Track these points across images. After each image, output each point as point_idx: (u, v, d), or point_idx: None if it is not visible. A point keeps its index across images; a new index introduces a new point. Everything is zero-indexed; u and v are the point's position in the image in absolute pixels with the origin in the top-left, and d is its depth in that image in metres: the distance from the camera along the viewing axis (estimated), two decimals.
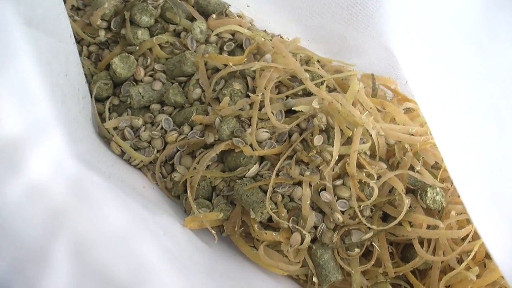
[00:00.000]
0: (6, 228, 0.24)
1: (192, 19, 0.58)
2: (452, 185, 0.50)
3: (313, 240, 0.49)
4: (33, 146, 0.25)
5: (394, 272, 0.48)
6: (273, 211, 0.47)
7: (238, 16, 0.59)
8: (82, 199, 0.26)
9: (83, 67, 0.52)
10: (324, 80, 0.51)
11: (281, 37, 0.59)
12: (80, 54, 0.56)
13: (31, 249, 0.24)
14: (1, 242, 0.24)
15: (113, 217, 0.27)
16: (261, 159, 0.51)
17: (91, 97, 0.54)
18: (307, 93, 0.52)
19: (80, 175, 0.26)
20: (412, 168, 0.49)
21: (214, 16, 0.58)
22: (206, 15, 0.59)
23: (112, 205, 0.28)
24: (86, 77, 0.53)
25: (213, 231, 0.48)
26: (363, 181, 0.48)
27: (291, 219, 0.48)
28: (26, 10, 0.38)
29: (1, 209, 0.24)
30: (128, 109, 0.55)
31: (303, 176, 0.48)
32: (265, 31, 0.59)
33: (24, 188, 0.24)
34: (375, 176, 0.48)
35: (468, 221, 0.49)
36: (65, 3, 0.52)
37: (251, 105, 0.51)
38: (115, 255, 0.26)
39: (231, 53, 0.56)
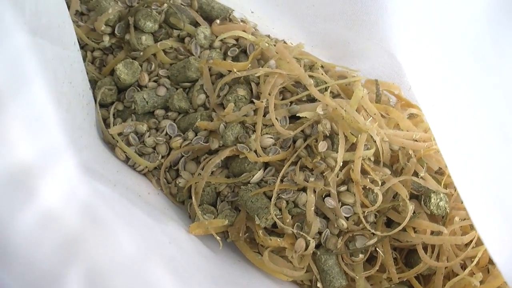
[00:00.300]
0: (20, 256, 0.24)
1: (196, 24, 0.58)
2: (455, 191, 0.51)
3: (318, 246, 0.49)
4: (45, 172, 0.25)
5: (398, 278, 0.48)
6: (278, 217, 0.48)
7: (241, 21, 0.60)
8: (95, 226, 0.26)
9: (87, 73, 0.52)
10: (328, 86, 0.51)
11: (284, 42, 0.59)
12: (84, 59, 0.56)
13: (45, 277, 0.24)
14: (14, 270, 0.24)
15: (126, 245, 0.27)
16: (266, 165, 0.51)
17: (96, 103, 0.54)
18: (311, 99, 0.52)
19: (92, 201, 0.26)
20: (416, 174, 0.49)
21: (218, 21, 0.58)
22: (210, 20, 0.59)
23: (124, 231, 0.28)
24: (90, 83, 0.54)
25: (218, 237, 0.48)
26: (367, 187, 0.48)
27: (295, 225, 0.48)
28: (31, 19, 0.38)
29: (14, 236, 0.24)
30: (132, 114, 0.55)
31: (308, 182, 0.48)
32: (268, 36, 0.59)
33: (37, 216, 0.24)
34: (379, 182, 0.48)
35: (472, 227, 0.49)
36: (69, 8, 0.52)
37: (255, 111, 0.51)
38: (128, 284, 0.26)
39: (235, 58, 0.56)
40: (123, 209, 0.33)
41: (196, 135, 0.53)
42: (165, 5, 0.57)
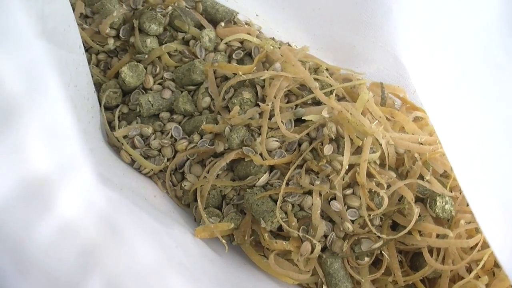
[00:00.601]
0: (39, 266, 0.24)
1: (200, 27, 0.58)
2: (460, 193, 0.51)
3: (323, 249, 0.49)
4: (63, 183, 0.25)
5: (404, 281, 0.48)
6: (283, 220, 0.48)
7: (246, 23, 0.60)
8: (113, 235, 0.26)
9: (92, 76, 0.52)
10: (334, 89, 0.51)
11: (289, 45, 0.59)
12: (89, 62, 0.56)
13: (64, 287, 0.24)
14: (33, 281, 0.24)
15: (143, 254, 0.27)
16: (271, 168, 0.51)
17: (100, 106, 0.54)
18: (317, 102, 0.52)
19: (109, 211, 0.26)
20: (421, 177, 0.49)
21: (222, 24, 0.58)
22: (214, 22, 0.59)
23: (141, 240, 0.28)
24: (94, 85, 0.54)
25: (223, 241, 0.48)
26: (373, 190, 0.48)
27: (301, 228, 0.48)
28: (37, 23, 0.38)
29: (33, 247, 0.24)
30: (137, 117, 0.55)
31: (313, 185, 0.48)
32: (273, 38, 0.59)
33: (55, 226, 0.24)
34: (385, 186, 0.48)
35: (477, 230, 0.49)
36: (73, 11, 0.52)
37: (260, 114, 0.51)
38: None
39: (240, 61, 0.56)
40: (131, 214, 0.33)
41: (201, 138, 0.53)
42: (170, 7, 0.57)
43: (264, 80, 0.52)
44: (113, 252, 0.26)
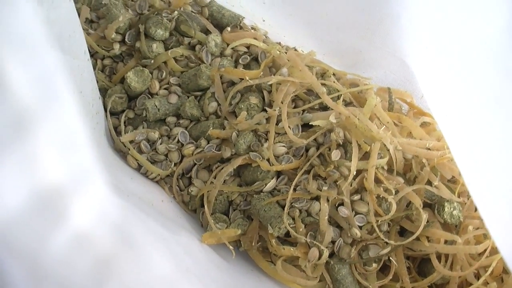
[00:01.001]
0: (54, 278, 0.24)
1: (206, 32, 0.58)
2: (468, 199, 0.50)
3: (331, 255, 0.49)
4: (76, 193, 0.24)
5: (412, 287, 0.48)
6: (291, 226, 0.47)
7: (252, 28, 0.59)
8: (127, 247, 0.26)
9: (97, 82, 0.52)
10: (341, 94, 0.51)
11: (295, 49, 0.59)
12: (94, 67, 0.56)
13: None
14: None
15: (157, 264, 0.27)
16: (278, 173, 0.51)
17: (106, 111, 0.54)
18: (324, 107, 0.52)
19: (123, 221, 0.26)
20: (429, 182, 0.49)
21: (228, 29, 0.58)
22: (220, 27, 0.59)
23: (153, 250, 0.28)
24: (100, 91, 0.53)
25: (230, 247, 0.48)
26: (381, 196, 0.48)
27: (308, 234, 0.48)
28: (43, 28, 0.38)
29: (47, 258, 0.24)
30: (143, 122, 0.55)
31: (321, 191, 0.48)
32: (279, 43, 0.59)
33: (69, 237, 0.24)
34: (393, 191, 0.48)
35: (486, 236, 0.49)
36: (79, 16, 0.52)
37: (268, 119, 0.51)
38: None
39: (247, 66, 0.56)
40: (141, 223, 0.33)
41: (208, 143, 0.52)
42: (176, 12, 0.57)
43: (271, 85, 0.52)
44: (128, 263, 0.25)
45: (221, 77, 0.54)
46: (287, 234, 0.48)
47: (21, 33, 0.25)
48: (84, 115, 0.38)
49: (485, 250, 0.48)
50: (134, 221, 0.30)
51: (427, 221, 0.48)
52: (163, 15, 0.57)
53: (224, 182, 0.51)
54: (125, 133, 0.54)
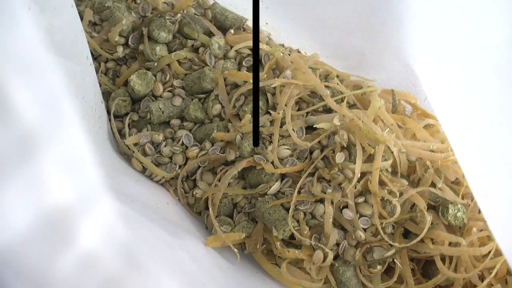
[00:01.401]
0: None
1: (210, 34, 0.58)
2: (472, 201, 0.50)
3: (335, 257, 0.49)
4: (83, 214, 0.24)
5: None
6: (295, 228, 0.48)
7: None
8: (135, 268, 0.26)
9: (100, 85, 0.52)
10: (345, 97, 0.51)
11: (299, 51, 0.59)
12: (97, 70, 0.56)
13: None
14: None
15: (164, 286, 0.27)
16: (283, 176, 0.51)
17: (110, 114, 0.54)
18: (328, 110, 0.52)
19: (130, 241, 0.26)
20: (433, 184, 0.49)
21: (232, 31, 0.58)
22: (223, 30, 0.59)
23: (162, 270, 0.27)
24: (103, 94, 0.53)
25: (235, 250, 0.48)
26: (385, 198, 0.48)
27: (313, 236, 0.48)
28: (45, 36, 0.38)
29: (55, 281, 0.23)
30: (147, 124, 0.55)
31: (325, 193, 0.48)
32: (282, 45, 0.59)
33: (76, 259, 0.24)
34: (397, 194, 0.48)
35: (490, 238, 0.49)
36: (82, 19, 0.52)
37: (272, 122, 0.51)
38: None
39: (250, 68, 0.56)
40: (146, 234, 0.33)
41: (212, 145, 0.52)
42: (179, 15, 0.57)
43: (274, 88, 0.52)
44: (135, 285, 0.25)
45: (224, 80, 0.54)
46: (292, 236, 0.48)
47: (23, 50, 0.25)
48: (87, 121, 0.38)
49: (489, 252, 0.48)
50: (141, 235, 0.30)
51: (431, 223, 0.48)
52: (166, 17, 0.57)
53: (228, 184, 0.51)
54: (129, 135, 0.54)
